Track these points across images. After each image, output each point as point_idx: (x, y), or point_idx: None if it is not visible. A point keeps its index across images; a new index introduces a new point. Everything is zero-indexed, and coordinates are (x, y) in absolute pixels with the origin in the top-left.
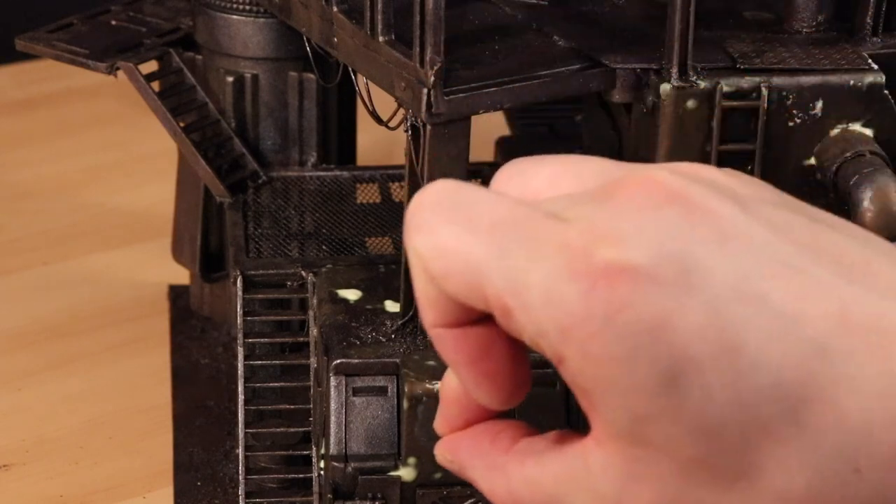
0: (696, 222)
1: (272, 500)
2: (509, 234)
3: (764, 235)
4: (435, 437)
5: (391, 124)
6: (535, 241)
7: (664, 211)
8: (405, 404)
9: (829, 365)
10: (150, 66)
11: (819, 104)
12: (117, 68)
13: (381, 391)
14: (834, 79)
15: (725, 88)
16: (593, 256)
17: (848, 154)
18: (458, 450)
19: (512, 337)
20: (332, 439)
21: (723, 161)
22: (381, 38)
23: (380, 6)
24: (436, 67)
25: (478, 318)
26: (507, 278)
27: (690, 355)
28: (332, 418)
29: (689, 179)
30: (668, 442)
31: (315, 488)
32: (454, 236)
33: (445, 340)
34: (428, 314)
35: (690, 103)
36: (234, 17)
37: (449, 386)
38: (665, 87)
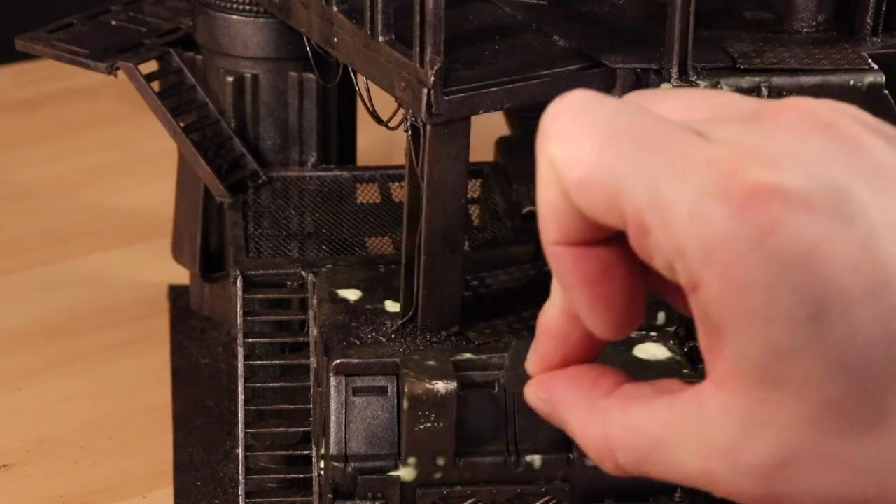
0: (849, 153)
1: (272, 500)
2: (654, 148)
3: None
4: (435, 438)
5: (391, 124)
6: (681, 156)
7: (817, 138)
8: (405, 404)
9: None
10: (150, 66)
11: None
12: (117, 68)
13: (381, 391)
14: (834, 79)
15: (725, 88)
16: (744, 176)
17: None
18: (553, 388)
19: (633, 262)
20: (332, 439)
21: None
22: (381, 38)
23: (380, 6)
24: (436, 67)
25: (602, 239)
26: (650, 192)
27: (841, 287)
28: (332, 418)
29: (839, 111)
30: (804, 380)
31: (315, 488)
32: (596, 145)
33: (565, 259)
34: (551, 229)
35: None
36: (234, 17)
37: (548, 319)
38: (665, 87)
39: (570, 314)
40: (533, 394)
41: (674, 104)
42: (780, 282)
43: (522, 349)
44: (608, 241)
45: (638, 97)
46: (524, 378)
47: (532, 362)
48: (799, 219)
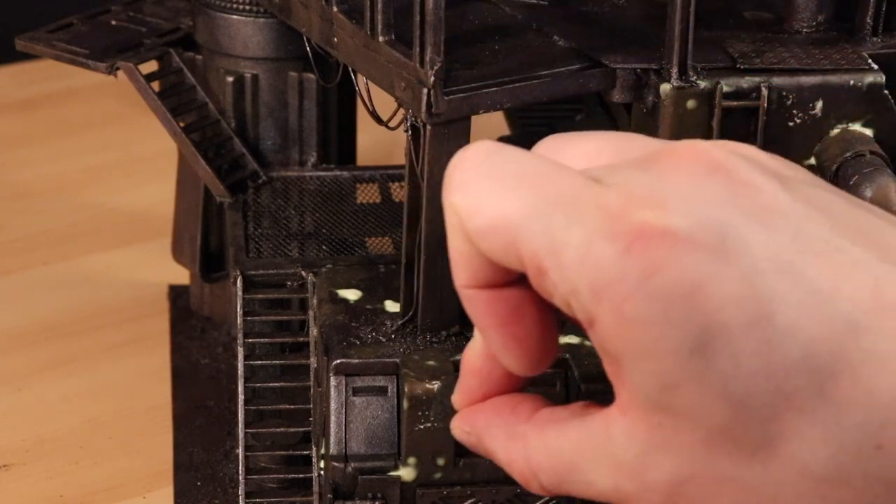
0: (737, 193)
1: (272, 500)
2: (548, 195)
3: (803, 212)
4: (435, 438)
5: (391, 124)
6: (574, 202)
7: (706, 180)
8: (405, 404)
9: (860, 341)
10: (150, 66)
11: (819, 104)
12: (117, 68)
13: (381, 391)
14: (834, 79)
15: (725, 88)
16: (632, 218)
17: (848, 154)
18: (476, 420)
19: (543, 301)
20: (332, 439)
21: None
22: (381, 38)
23: (380, 6)
24: (436, 67)
25: (510, 281)
26: (544, 237)
27: (723, 322)
28: (332, 418)
29: (733, 153)
30: (693, 409)
31: (315, 488)
32: (493, 194)
33: (476, 301)
34: (461, 273)
35: (690, 103)
36: (234, 17)
37: (470, 357)
38: (665, 87)
39: (490, 353)
40: (458, 427)
41: (581, 149)
42: (665, 318)
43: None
44: (516, 282)
45: (549, 142)
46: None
47: (456, 398)
48: (683, 257)
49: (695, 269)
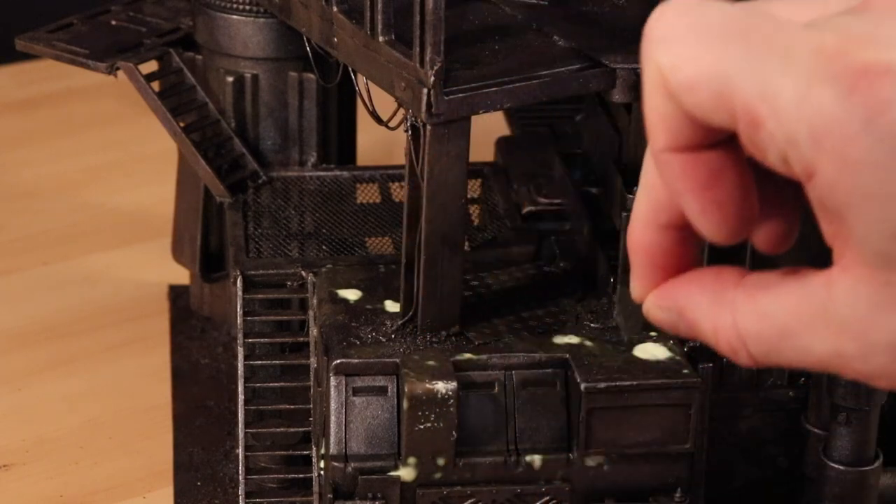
0: None
1: (272, 500)
2: (761, 42)
3: None
4: (435, 438)
5: (391, 124)
6: (788, 47)
7: None
8: (405, 404)
9: None
10: (150, 66)
11: None
12: (117, 68)
13: (381, 391)
14: None
15: None
16: (853, 58)
17: None
18: (675, 294)
19: (743, 165)
20: (332, 439)
21: None
22: (381, 38)
23: (380, 6)
24: (436, 67)
25: (710, 143)
26: (759, 84)
27: None
28: (332, 418)
29: None
30: None
31: (315, 488)
32: (702, 45)
33: (674, 165)
34: (659, 136)
35: None
36: (234, 17)
37: (637, 238)
38: None
39: (655, 224)
40: (654, 306)
41: (782, 6)
42: (894, 160)
43: (626, 295)
44: (717, 144)
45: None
46: (638, 314)
47: (638, 289)
48: None
49: None
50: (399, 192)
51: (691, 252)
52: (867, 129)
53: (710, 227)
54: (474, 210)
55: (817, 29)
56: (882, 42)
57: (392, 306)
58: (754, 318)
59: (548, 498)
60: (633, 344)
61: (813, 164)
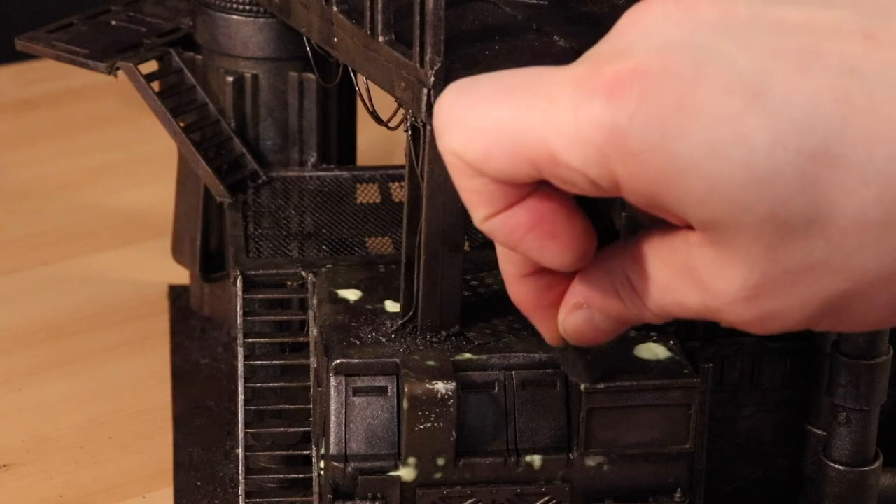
0: (695, 10)
1: (272, 500)
2: (528, 92)
3: (764, 2)
4: (435, 438)
5: (391, 124)
6: (551, 86)
7: (661, 18)
8: (405, 404)
9: (861, 81)
10: (150, 66)
11: None
12: (117, 68)
13: (381, 391)
14: None
15: None
16: (602, 72)
17: None
18: (577, 293)
19: (559, 196)
20: (332, 439)
21: None
22: (381, 38)
23: (380, 6)
24: (436, 67)
25: (523, 196)
26: (540, 127)
27: (720, 115)
28: (332, 418)
29: None
30: (731, 210)
31: (315, 488)
32: (481, 114)
33: (500, 225)
34: (479, 210)
35: None
36: (234, 17)
37: (520, 294)
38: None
39: (521, 277)
40: (564, 316)
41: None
42: (665, 138)
43: (557, 354)
44: (529, 193)
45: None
46: (578, 360)
47: (548, 334)
48: (661, 83)
49: (676, 87)
50: (399, 192)
51: (565, 283)
52: (634, 121)
53: (555, 257)
54: None
55: (571, 66)
56: (625, 51)
57: (392, 306)
58: (644, 279)
59: (548, 498)
60: (632, 344)
61: (612, 172)
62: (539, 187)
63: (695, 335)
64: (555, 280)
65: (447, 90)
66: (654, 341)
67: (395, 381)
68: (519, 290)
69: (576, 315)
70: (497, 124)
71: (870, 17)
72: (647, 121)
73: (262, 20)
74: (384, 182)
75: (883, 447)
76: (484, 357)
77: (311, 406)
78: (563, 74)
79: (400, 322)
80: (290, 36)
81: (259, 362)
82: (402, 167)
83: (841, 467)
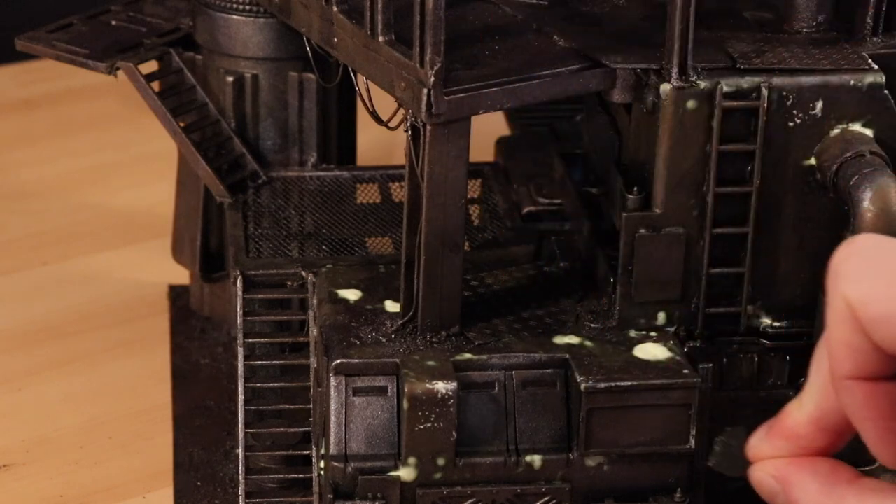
0: None
1: (272, 500)
2: None
3: None
4: (435, 438)
5: (391, 124)
6: None
7: None
8: (405, 404)
9: None
10: (150, 66)
11: (819, 104)
12: (117, 68)
13: (381, 391)
14: (834, 79)
15: (725, 88)
16: None
17: (848, 154)
18: (788, 470)
19: None
20: (332, 439)
21: (723, 161)
22: (381, 38)
23: (380, 6)
24: (436, 67)
25: (892, 374)
26: None
27: None
28: (332, 418)
29: None
30: None
31: (315, 488)
32: (890, 283)
33: (858, 393)
34: (845, 364)
35: (690, 103)
36: (234, 17)
37: (795, 425)
38: (665, 87)
39: (819, 425)
40: (764, 472)
41: None
42: None
43: (738, 435)
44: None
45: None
46: (740, 460)
47: (760, 450)
48: None
49: None
50: (399, 192)
51: (831, 449)
52: None
53: (887, 454)
54: (474, 210)
55: None
56: None
57: (392, 306)
58: None
59: (548, 498)
60: (632, 344)
61: None
62: None
63: (695, 335)
64: (831, 446)
65: (868, 237)
66: (654, 341)
67: (395, 381)
68: (800, 428)
69: (770, 482)
70: None
71: None
72: None
73: (262, 20)
74: (384, 182)
75: None
76: (484, 357)
77: (311, 406)
78: None
79: (400, 322)
80: (290, 36)
81: (259, 362)
82: (402, 167)
83: None
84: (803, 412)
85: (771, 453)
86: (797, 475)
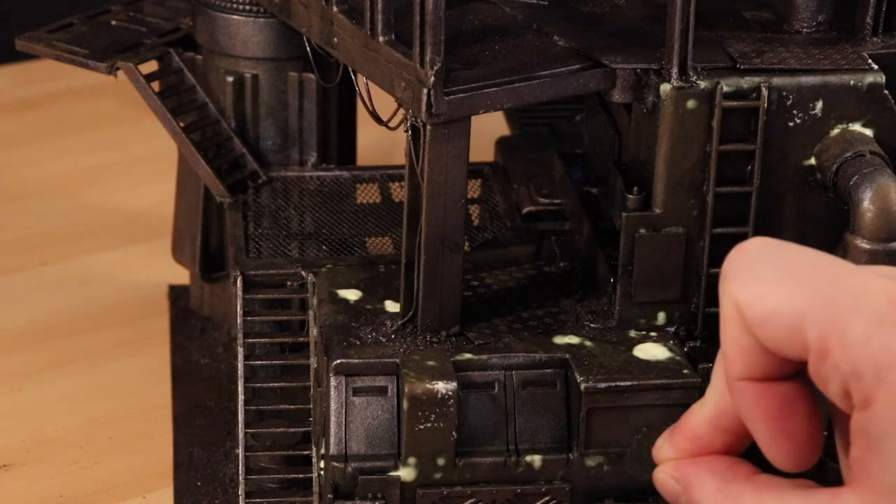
0: None
1: (272, 500)
2: (832, 282)
3: None
4: (435, 438)
5: (391, 124)
6: (858, 287)
7: None
8: (405, 404)
9: None
10: (150, 66)
11: (819, 104)
12: (117, 68)
13: (381, 391)
14: (834, 79)
15: (725, 88)
16: None
17: (848, 154)
18: (687, 469)
19: (813, 398)
20: (332, 439)
21: (723, 161)
22: (381, 38)
23: (380, 6)
24: (436, 67)
25: (783, 375)
26: (830, 320)
27: None
28: (332, 418)
29: None
30: None
31: (315, 488)
32: (777, 283)
33: (749, 394)
34: (736, 365)
35: (690, 103)
36: (234, 17)
37: (696, 425)
38: (665, 87)
39: (719, 427)
40: (665, 473)
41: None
42: None
43: (651, 436)
44: (789, 377)
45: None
46: (647, 463)
47: (663, 451)
48: None
49: None
50: (399, 192)
51: (731, 450)
52: None
53: (779, 455)
54: (474, 210)
55: (888, 277)
56: None
57: (392, 306)
58: None
59: (548, 498)
60: (632, 344)
61: (872, 395)
62: (797, 378)
63: (695, 335)
64: (730, 447)
65: (757, 240)
66: (654, 341)
67: (395, 381)
68: (699, 429)
69: (671, 483)
70: (790, 297)
71: None
72: None
73: (262, 20)
74: (384, 182)
75: None
76: (484, 357)
77: (311, 406)
78: (880, 284)
79: (400, 322)
80: (290, 36)
81: (259, 362)
82: (402, 167)
83: None
84: (703, 412)
85: (673, 454)
86: (696, 475)
